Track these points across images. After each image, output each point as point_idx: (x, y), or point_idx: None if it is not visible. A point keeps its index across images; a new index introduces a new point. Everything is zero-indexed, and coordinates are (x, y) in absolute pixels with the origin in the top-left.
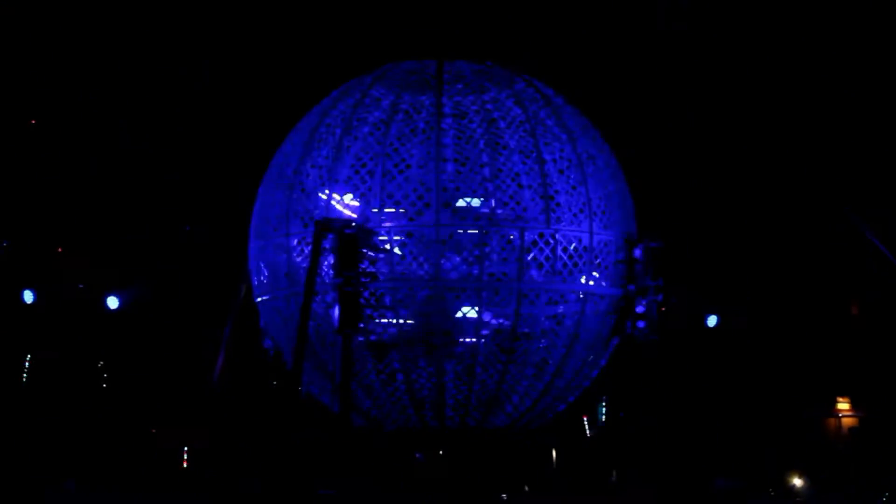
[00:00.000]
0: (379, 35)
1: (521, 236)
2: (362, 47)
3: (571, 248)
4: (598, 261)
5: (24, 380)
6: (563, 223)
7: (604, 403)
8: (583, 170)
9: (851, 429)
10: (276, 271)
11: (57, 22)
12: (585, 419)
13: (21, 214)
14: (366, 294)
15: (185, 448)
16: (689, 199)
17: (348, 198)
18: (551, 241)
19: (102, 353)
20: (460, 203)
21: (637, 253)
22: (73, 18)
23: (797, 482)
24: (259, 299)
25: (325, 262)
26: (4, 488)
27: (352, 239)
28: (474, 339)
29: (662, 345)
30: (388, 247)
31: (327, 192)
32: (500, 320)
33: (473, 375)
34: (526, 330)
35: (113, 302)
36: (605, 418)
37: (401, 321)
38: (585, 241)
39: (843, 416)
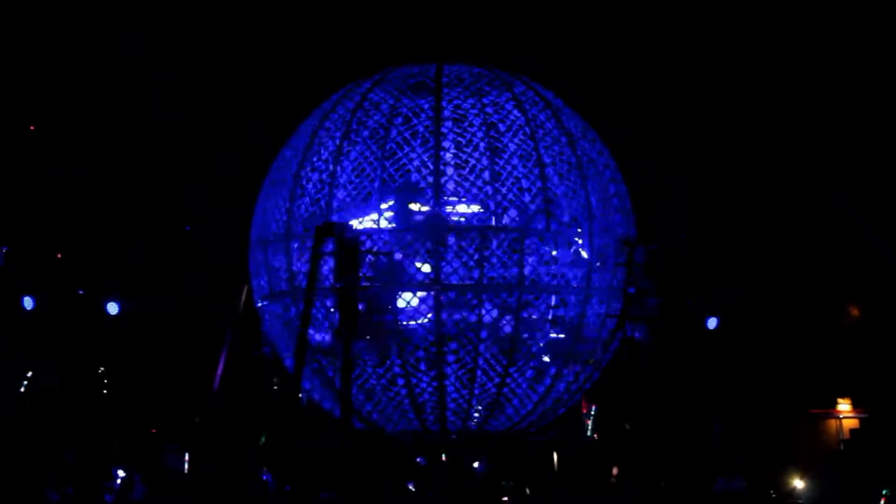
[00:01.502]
0: (378, 39)
1: (522, 239)
2: (362, 51)
3: (572, 250)
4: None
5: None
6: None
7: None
8: (582, 172)
9: (852, 429)
10: (276, 275)
11: (57, 23)
12: (584, 411)
13: (21, 219)
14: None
15: (187, 453)
16: (689, 201)
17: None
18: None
19: (103, 359)
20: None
21: (637, 255)
22: (73, 20)
23: (798, 483)
24: (259, 304)
25: (326, 267)
26: (5, 493)
27: (352, 243)
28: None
29: (662, 346)
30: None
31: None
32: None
33: (474, 379)
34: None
35: (113, 308)
36: (595, 427)
37: None
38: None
39: (844, 417)
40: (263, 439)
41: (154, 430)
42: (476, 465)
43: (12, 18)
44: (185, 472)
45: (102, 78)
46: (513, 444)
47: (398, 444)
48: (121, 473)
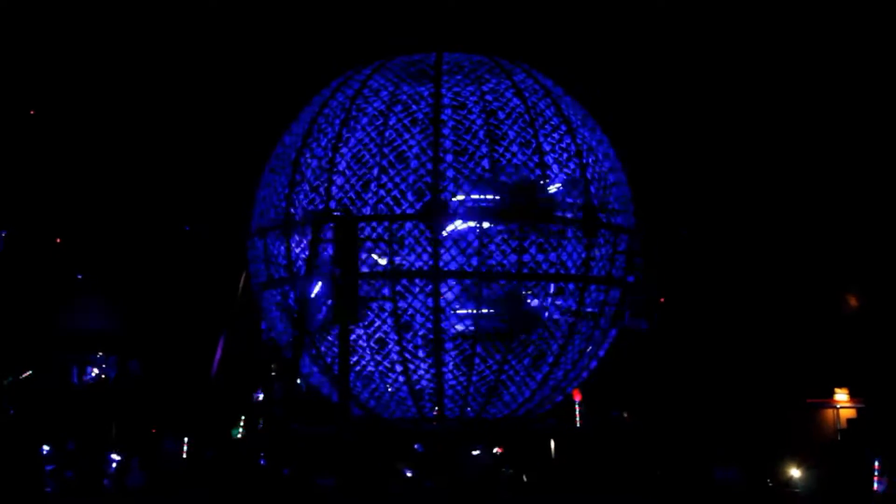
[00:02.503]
0: (378, 27)
1: (521, 230)
2: (362, 39)
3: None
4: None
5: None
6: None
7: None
8: (581, 160)
9: (849, 419)
10: (275, 262)
11: (57, 20)
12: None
13: (22, 210)
14: (366, 287)
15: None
16: (689, 190)
17: None
18: None
19: (102, 348)
20: None
21: (636, 244)
22: (73, 17)
23: (795, 473)
24: (258, 291)
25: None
26: (6, 486)
27: (350, 231)
28: None
29: (661, 335)
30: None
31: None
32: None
33: (472, 366)
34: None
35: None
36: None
37: None
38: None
39: (842, 407)
40: (260, 424)
41: (154, 430)
42: (478, 451)
43: (15, 14)
44: (183, 457)
45: (103, 65)
46: (511, 431)
47: (396, 431)
48: (116, 457)
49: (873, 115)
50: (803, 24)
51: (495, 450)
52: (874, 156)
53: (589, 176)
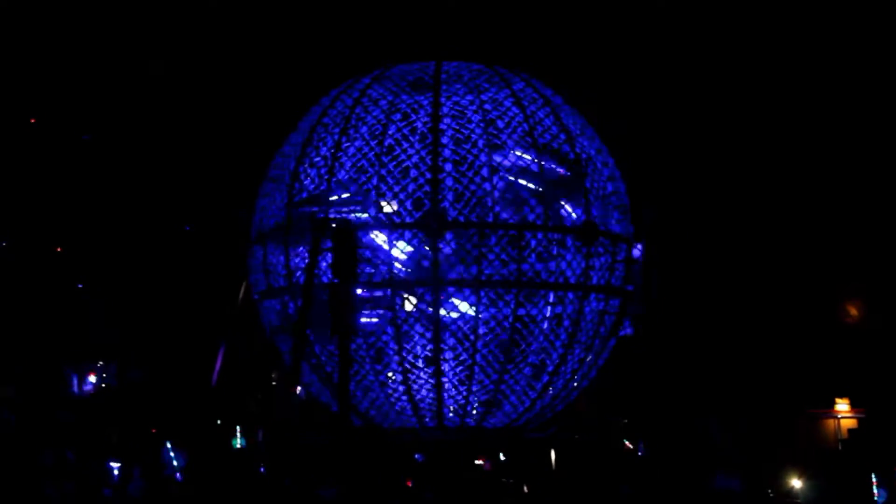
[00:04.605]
0: (377, 36)
1: (520, 234)
2: (361, 48)
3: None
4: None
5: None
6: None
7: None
8: (580, 169)
9: (851, 429)
10: (274, 272)
11: (57, 22)
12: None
13: (20, 214)
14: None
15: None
16: (687, 198)
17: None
18: None
19: (100, 355)
20: None
21: (635, 253)
22: (73, 18)
23: (796, 483)
24: (258, 300)
25: (323, 263)
26: (4, 486)
27: (349, 239)
28: None
29: (660, 344)
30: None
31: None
32: None
33: (472, 375)
34: None
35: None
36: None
37: None
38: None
39: (843, 417)
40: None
41: (154, 430)
42: (481, 462)
43: (14, 15)
44: (183, 466)
45: (102, 75)
46: (511, 441)
47: (396, 441)
48: (116, 466)
49: (875, 130)
50: (805, 35)
51: (500, 456)
52: (872, 169)
53: (588, 185)
